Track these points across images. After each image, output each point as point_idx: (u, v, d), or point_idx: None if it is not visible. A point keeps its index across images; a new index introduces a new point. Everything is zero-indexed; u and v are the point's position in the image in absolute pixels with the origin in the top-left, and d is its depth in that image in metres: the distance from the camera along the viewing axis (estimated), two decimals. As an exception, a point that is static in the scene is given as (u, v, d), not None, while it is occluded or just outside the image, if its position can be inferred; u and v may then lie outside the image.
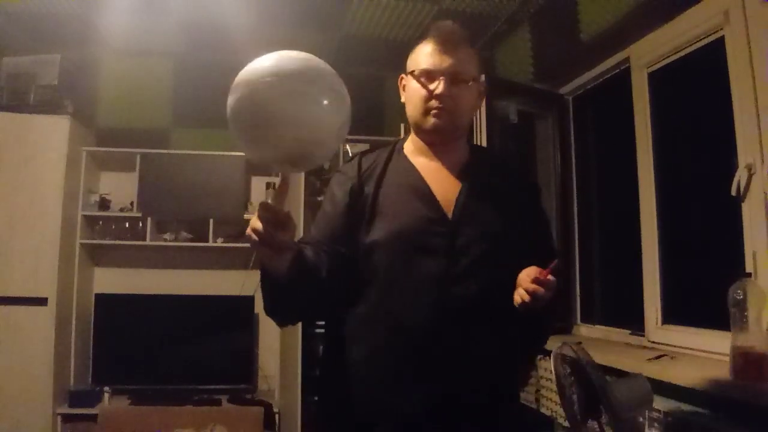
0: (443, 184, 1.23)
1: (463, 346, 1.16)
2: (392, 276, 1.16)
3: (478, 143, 2.51)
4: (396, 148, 1.32)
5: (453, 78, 1.18)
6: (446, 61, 1.19)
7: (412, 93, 1.22)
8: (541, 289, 1.06)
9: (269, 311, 1.16)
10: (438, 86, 1.18)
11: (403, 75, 1.27)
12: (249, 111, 0.92)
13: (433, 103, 1.19)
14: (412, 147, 1.30)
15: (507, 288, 1.14)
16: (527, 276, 1.08)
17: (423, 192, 1.22)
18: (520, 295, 1.08)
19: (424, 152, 1.28)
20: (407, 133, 1.36)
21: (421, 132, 1.26)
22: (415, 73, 1.21)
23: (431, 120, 1.20)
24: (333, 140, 0.97)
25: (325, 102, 0.94)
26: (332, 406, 1.24)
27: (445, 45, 1.20)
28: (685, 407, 1.70)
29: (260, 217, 0.94)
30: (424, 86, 1.19)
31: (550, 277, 1.08)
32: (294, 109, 0.90)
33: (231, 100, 0.94)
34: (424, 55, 1.21)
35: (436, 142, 1.25)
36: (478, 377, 1.17)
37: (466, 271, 1.16)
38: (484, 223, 1.20)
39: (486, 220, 1.20)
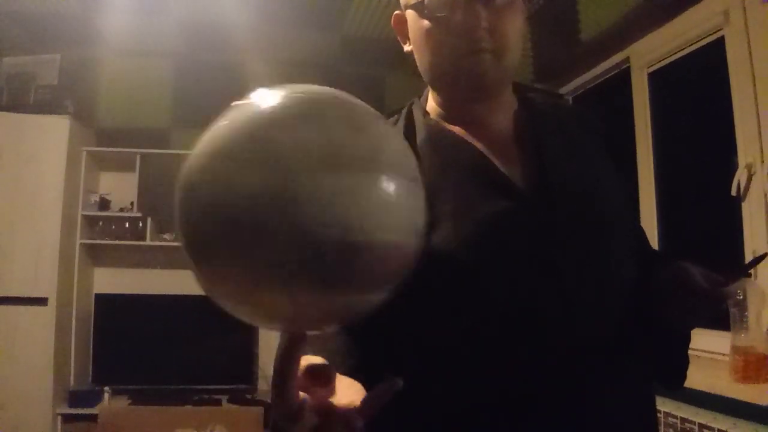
0: (505, 156, 0.78)
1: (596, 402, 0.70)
2: (479, 305, 0.70)
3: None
4: (413, 113, 0.85)
5: (488, 2, 0.73)
6: None
7: (424, 36, 0.77)
8: (723, 300, 0.73)
9: None
10: (469, 17, 0.72)
11: (399, 12, 0.83)
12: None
13: (467, 44, 0.73)
14: (438, 109, 0.85)
15: (629, 300, 0.76)
16: (691, 276, 0.73)
17: (488, 172, 0.76)
18: (691, 307, 0.73)
19: (458, 114, 0.82)
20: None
21: (450, 90, 0.81)
22: (425, 3, 0.75)
23: (468, 70, 0.75)
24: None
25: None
26: None
27: None
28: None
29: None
30: (445, 22, 0.74)
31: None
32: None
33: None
34: None
35: (475, 99, 0.80)
36: None
37: (582, 282, 0.72)
38: (586, 206, 0.75)
39: (585, 201, 0.76)
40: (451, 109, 0.83)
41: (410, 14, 0.79)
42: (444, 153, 0.78)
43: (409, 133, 0.81)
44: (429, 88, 0.86)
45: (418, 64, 0.82)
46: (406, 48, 0.84)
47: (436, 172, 0.74)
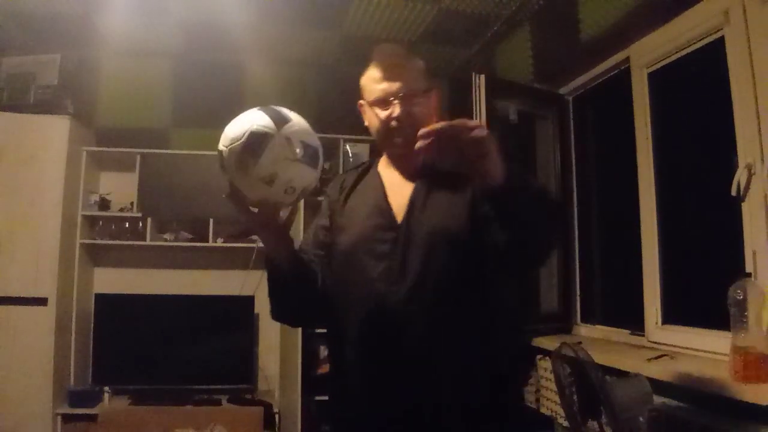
0: (401, 191, 1.29)
1: (419, 352, 1.16)
2: (347, 285, 1.25)
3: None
4: (372, 164, 1.41)
5: (405, 98, 1.23)
6: (395, 86, 1.23)
7: (372, 120, 1.29)
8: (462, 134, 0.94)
9: (274, 310, 1.30)
10: (394, 110, 1.23)
11: (362, 102, 1.32)
12: None
13: (394, 124, 1.23)
14: (385, 161, 1.37)
15: (472, 286, 1.18)
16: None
17: (379, 202, 1.29)
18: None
19: (393, 164, 1.34)
20: None
21: (389, 149, 1.33)
22: (370, 102, 1.27)
23: (396, 140, 1.25)
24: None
25: None
26: (331, 405, 1.35)
27: (390, 69, 1.25)
28: (685, 407, 1.70)
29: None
30: (381, 113, 1.25)
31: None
32: None
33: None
34: (373, 83, 1.27)
35: (406, 153, 1.25)
36: (443, 389, 1.15)
37: (416, 272, 1.18)
38: (431, 221, 1.21)
39: (433, 217, 1.22)
40: (389, 161, 1.36)
41: (365, 106, 1.31)
42: (366, 191, 1.35)
43: (360, 180, 1.38)
44: None
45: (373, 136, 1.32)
46: (366, 124, 1.33)
47: (357, 204, 1.33)
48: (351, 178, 1.40)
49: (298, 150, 1.07)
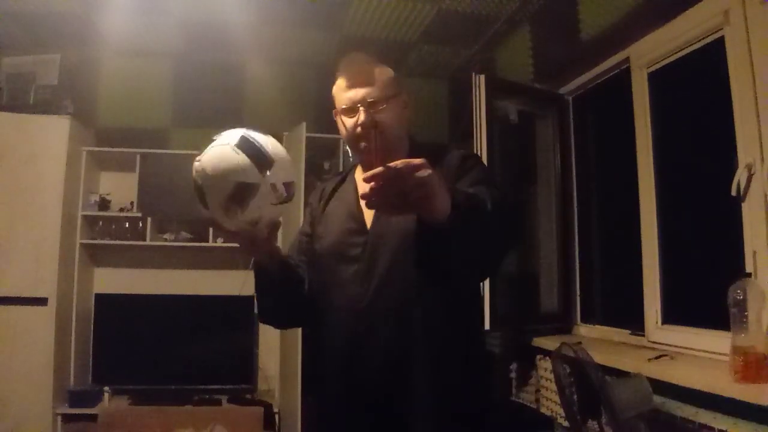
0: None
1: (387, 352, 1.20)
2: (324, 288, 1.32)
3: (479, 143, 2.51)
4: (350, 171, 1.46)
5: (371, 105, 1.27)
6: (359, 93, 1.28)
7: (342, 128, 1.33)
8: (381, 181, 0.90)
9: (263, 313, 1.39)
10: (359, 117, 1.27)
11: (335, 110, 1.36)
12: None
13: (360, 131, 1.27)
14: (359, 167, 1.41)
15: (437, 288, 1.21)
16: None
17: (351, 207, 1.34)
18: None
19: (365, 170, 1.31)
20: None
21: (358, 156, 1.36)
22: (339, 111, 1.33)
23: (362, 146, 1.29)
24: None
25: None
26: (316, 401, 1.44)
27: (355, 78, 1.29)
28: (685, 407, 1.70)
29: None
30: (348, 121, 1.29)
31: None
32: None
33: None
34: (341, 92, 1.32)
35: (375, 161, 1.15)
36: (411, 388, 1.19)
37: (382, 274, 1.24)
38: (398, 226, 1.24)
39: (400, 221, 1.24)
40: (364, 169, 1.34)
41: (337, 114, 1.34)
42: (342, 198, 1.40)
43: (338, 187, 1.43)
44: None
45: None
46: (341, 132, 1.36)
47: (333, 210, 1.39)
48: (330, 185, 1.45)
49: (281, 193, 1.11)
